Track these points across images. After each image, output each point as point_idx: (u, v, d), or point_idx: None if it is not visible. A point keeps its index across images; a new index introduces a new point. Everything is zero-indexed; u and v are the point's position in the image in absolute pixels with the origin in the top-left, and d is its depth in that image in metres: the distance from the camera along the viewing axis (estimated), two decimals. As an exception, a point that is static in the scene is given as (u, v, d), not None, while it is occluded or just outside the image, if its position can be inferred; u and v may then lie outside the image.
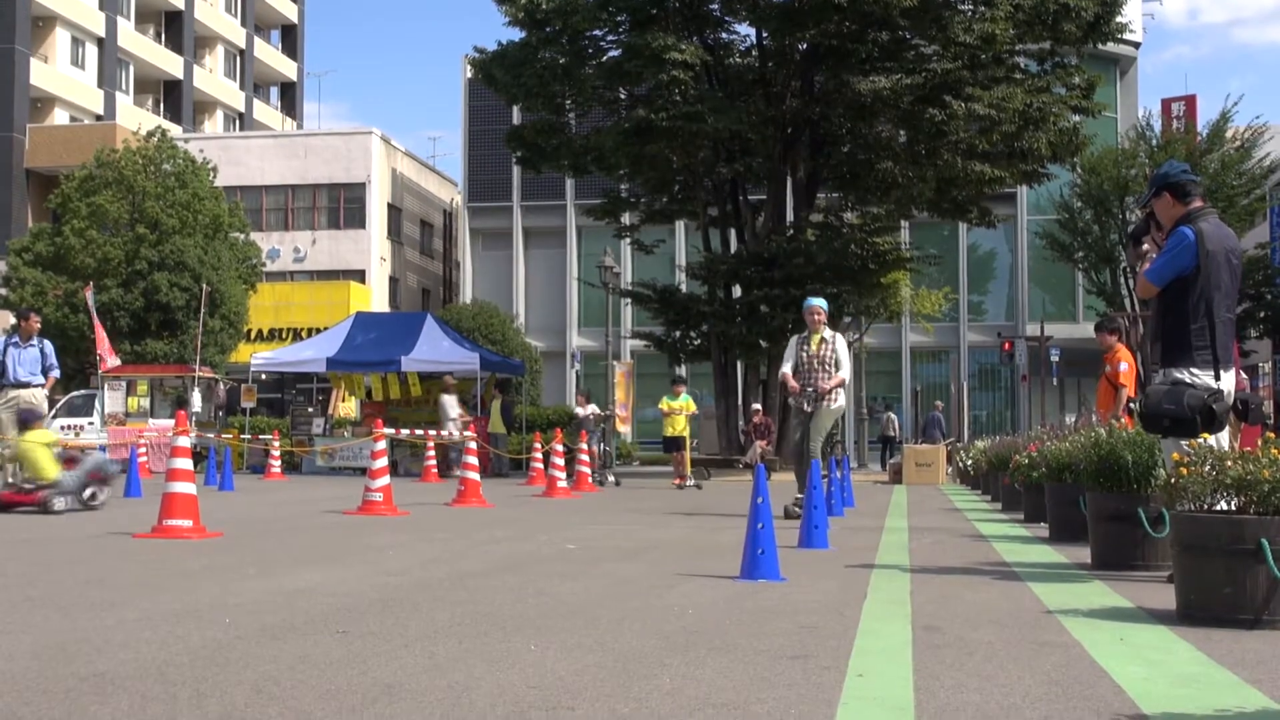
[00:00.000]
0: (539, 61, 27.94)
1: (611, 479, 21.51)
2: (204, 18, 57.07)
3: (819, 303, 11.97)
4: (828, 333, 11.80)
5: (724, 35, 29.55)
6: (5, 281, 35.41)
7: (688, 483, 19.74)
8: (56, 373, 14.72)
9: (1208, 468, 5.08)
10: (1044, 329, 40.70)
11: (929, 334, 46.07)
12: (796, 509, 10.87)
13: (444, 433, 22.79)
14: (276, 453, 22.61)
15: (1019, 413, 45.61)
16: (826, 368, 11.63)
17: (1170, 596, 5.35)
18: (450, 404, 24.68)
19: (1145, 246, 6.70)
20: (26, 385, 14.27)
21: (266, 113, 63.32)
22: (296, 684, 3.58)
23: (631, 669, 3.87)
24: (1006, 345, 41.73)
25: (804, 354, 11.74)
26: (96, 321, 28.42)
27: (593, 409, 22.98)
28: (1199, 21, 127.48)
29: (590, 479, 20.61)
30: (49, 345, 14.66)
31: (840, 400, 11.73)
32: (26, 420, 12.87)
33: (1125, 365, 11.09)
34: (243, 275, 37.16)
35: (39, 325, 14.66)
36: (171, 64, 55.08)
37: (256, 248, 39.13)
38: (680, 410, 20.52)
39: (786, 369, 11.78)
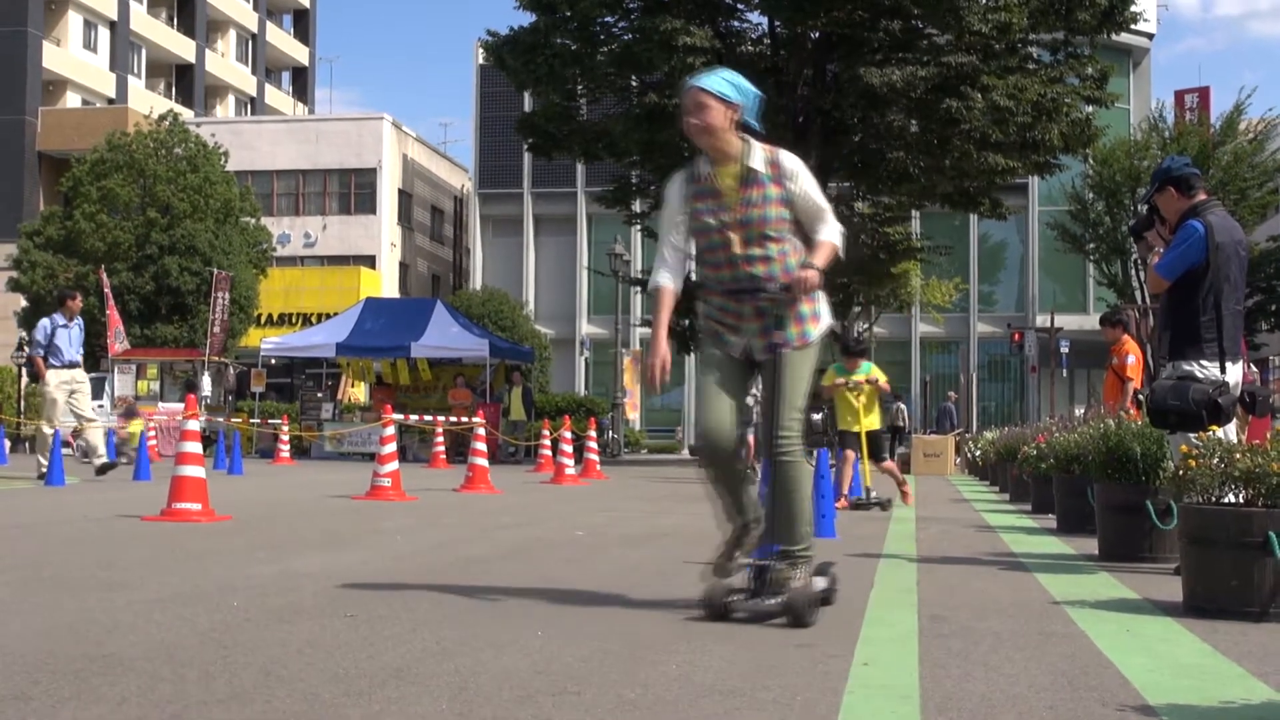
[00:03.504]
0: (550, 47, 27.91)
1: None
2: (216, 2, 57.08)
3: (712, 84, 4.79)
4: (758, 153, 4.82)
5: (735, 23, 29.48)
6: (16, 264, 35.50)
7: (873, 497, 12.23)
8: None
9: (1216, 460, 5.08)
10: (1054, 320, 40.65)
11: (939, 324, 46.00)
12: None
13: None
14: (285, 437, 22.67)
15: (1028, 404, 45.53)
16: (771, 234, 4.79)
17: (1177, 588, 5.35)
18: None
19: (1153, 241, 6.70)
20: (76, 365, 14.37)
21: (278, 97, 63.35)
22: (305, 667, 3.60)
23: (638, 655, 3.88)
24: (1016, 336, 41.70)
25: (713, 219, 4.82)
26: (111, 305, 28.50)
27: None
28: (1213, 14, 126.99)
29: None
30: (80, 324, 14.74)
31: (824, 319, 4.94)
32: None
33: (1132, 358, 11.09)
34: (253, 260, 37.23)
35: (77, 304, 14.73)
36: (184, 48, 55.11)
37: (267, 232, 39.19)
38: (859, 386, 12.24)
39: (665, 279, 4.94)
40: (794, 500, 4.78)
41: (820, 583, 4.85)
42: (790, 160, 4.87)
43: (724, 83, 4.81)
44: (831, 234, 4.86)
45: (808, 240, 4.86)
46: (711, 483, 4.92)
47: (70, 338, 14.28)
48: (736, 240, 4.80)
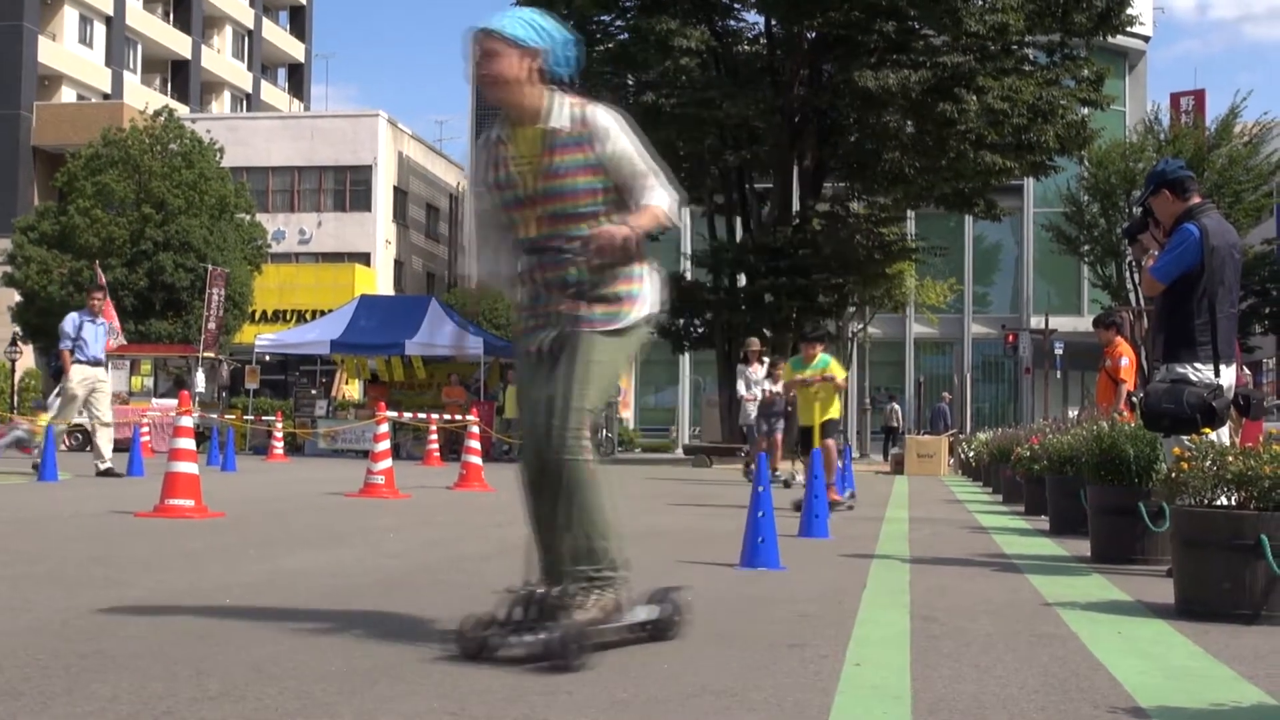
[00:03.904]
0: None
1: (798, 478, 15.39)
2: (213, -2, 57.02)
3: (503, 26, 3.91)
4: (564, 110, 3.95)
5: (732, 23, 29.51)
6: (10, 259, 35.43)
7: (843, 498, 11.96)
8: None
9: (1208, 463, 5.09)
10: (1048, 322, 40.69)
11: (933, 325, 46.04)
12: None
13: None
14: (279, 434, 22.64)
15: (1021, 405, 45.59)
16: (580, 209, 3.92)
17: (1169, 591, 5.36)
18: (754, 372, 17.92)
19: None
20: (100, 363, 14.33)
21: (274, 94, 63.25)
22: (297, 665, 3.59)
23: (631, 654, 3.88)
24: (1010, 337, 41.74)
25: (511, 191, 3.96)
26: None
27: (767, 385, 16.50)
28: (1209, 17, 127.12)
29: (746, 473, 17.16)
30: (104, 324, 14.70)
31: (645, 304, 4.03)
32: None
33: (1126, 360, 11.11)
34: (248, 256, 37.17)
35: (99, 301, 14.72)
36: (180, 44, 55.01)
37: (262, 229, 39.11)
38: (815, 379, 12.01)
39: (473, 270, 4.33)
40: (580, 508, 3.85)
41: (643, 613, 4.01)
42: (604, 117, 3.94)
43: (519, 23, 3.91)
44: (659, 199, 3.92)
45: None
46: (527, 513, 4.02)
47: (96, 334, 14.28)
48: (536, 218, 3.93)
